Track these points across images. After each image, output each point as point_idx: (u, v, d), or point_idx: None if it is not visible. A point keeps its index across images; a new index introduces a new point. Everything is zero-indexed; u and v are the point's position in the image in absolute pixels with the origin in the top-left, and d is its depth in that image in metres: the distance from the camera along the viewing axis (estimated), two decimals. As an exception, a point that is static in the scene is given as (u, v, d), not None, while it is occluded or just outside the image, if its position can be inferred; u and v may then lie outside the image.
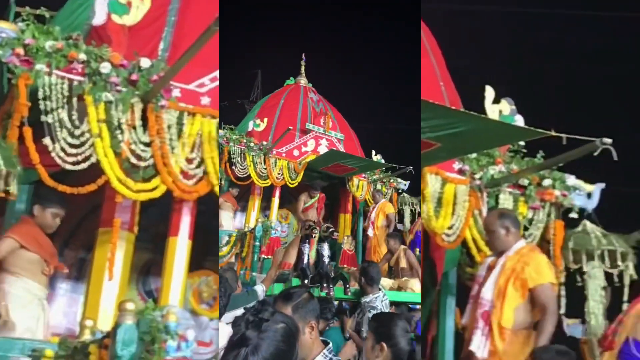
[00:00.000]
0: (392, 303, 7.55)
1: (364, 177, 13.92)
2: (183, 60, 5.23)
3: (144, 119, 5.80)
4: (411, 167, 13.15)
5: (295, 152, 13.13)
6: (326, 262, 7.31)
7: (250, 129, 13.01)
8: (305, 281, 6.95)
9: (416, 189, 15.37)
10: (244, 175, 12.39)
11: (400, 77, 27.20)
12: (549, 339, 5.13)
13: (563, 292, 6.41)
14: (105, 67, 5.62)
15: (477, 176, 6.54)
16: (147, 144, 5.77)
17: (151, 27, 6.15)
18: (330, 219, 13.50)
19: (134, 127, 5.74)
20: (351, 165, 12.72)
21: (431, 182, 6.22)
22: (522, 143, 6.76)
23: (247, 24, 26.12)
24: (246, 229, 11.95)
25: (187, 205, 6.12)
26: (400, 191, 14.79)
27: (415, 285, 8.96)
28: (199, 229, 6.27)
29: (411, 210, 15.19)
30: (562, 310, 6.28)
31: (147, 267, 7.50)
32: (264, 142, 12.46)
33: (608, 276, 6.54)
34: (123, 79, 5.71)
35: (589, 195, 6.85)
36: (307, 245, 7.22)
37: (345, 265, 11.10)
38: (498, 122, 5.44)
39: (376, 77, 26.10)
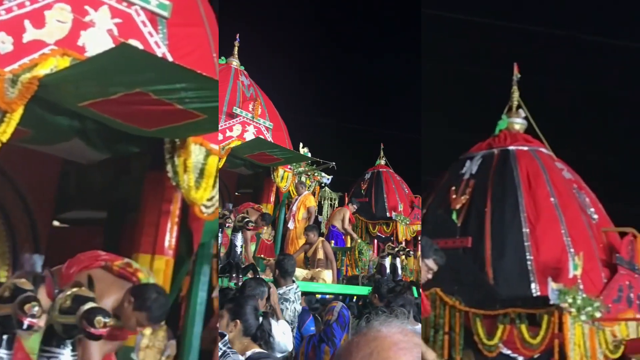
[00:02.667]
0: (303, 293, 7.75)
1: (290, 169, 13.68)
2: None
3: None
4: (334, 163, 13.65)
5: (219, 136, 12.12)
6: (238, 252, 7.44)
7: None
8: (215, 271, 6.97)
9: (337, 184, 16.22)
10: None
11: (335, 73, 27.62)
12: None
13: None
14: None
15: None
16: None
17: None
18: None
19: None
20: (277, 155, 12.41)
21: (195, 152, 6.14)
22: None
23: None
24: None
25: None
26: (322, 185, 15.02)
27: (327, 276, 9.51)
28: None
29: (330, 204, 16.05)
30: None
31: None
32: (185, 123, 11.95)
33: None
34: None
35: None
36: (219, 235, 7.26)
37: (262, 255, 11.48)
38: None
39: (312, 71, 26.08)
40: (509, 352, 7.22)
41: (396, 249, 11.60)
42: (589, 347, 7.13)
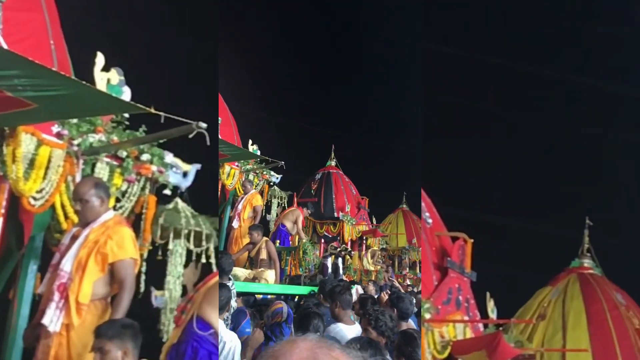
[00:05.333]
0: (242, 293, 7.80)
1: (237, 166, 13.33)
2: None
3: None
4: (283, 162, 13.32)
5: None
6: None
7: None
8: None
9: (287, 183, 15.90)
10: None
11: (289, 70, 27.25)
12: (124, 313, 5.22)
13: (144, 268, 6.35)
14: None
15: (75, 142, 6.36)
16: None
17: None
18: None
19: None
20: (224, 152, 11.90)
21: (25, 142, 5.90)
22: (126, 115, 6.62)
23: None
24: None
25: None
26: (271, 184, 14.79)
27: (269, 276, 9.39)
28: None
29: (279, 203, 15.65)
30: (143, 285, 6.28)
31: None
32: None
33: (190, 254, 6.62)
34: None
35: (185, 174, 6.91)
36: None
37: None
38: (98, 91, 5.08)
39: (265, 66, 25.16)
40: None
41: (338, 249, 11.69)
42: (418, 347, 7.40)
